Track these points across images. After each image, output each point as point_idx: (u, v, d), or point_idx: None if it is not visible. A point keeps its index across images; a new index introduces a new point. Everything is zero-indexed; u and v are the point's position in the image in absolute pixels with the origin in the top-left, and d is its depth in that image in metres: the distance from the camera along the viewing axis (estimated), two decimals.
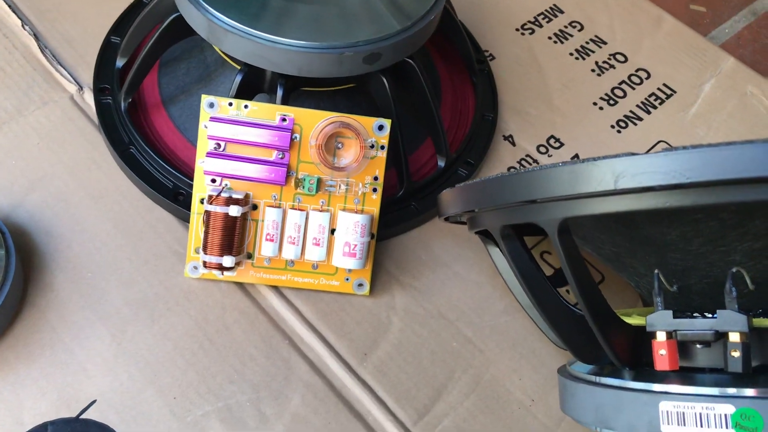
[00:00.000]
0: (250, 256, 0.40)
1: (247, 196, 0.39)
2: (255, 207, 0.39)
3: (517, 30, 0.56)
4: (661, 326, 0.30)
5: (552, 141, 0.51)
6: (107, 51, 0.48)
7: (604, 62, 0.55)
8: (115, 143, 0.44)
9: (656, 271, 0.31)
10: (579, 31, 0.57)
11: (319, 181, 0.39)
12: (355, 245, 0.39)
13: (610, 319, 0.32)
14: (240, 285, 0.41)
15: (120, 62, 0.46)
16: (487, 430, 0.39)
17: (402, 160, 0.43)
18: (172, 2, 0.41)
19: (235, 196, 0.38)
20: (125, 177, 0.44)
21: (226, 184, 0.39)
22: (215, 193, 0.38)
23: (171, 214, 0.43)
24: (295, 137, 0.39)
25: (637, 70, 0.55)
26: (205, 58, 0.45)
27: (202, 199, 0.39)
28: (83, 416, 0.36)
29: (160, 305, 0.40)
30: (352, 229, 0.39)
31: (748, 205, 0.28)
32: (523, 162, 0.49)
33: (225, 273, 0.40)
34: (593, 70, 0.55)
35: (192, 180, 0.40)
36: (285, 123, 0.39)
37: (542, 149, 0.50)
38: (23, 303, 0.39)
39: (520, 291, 0.39)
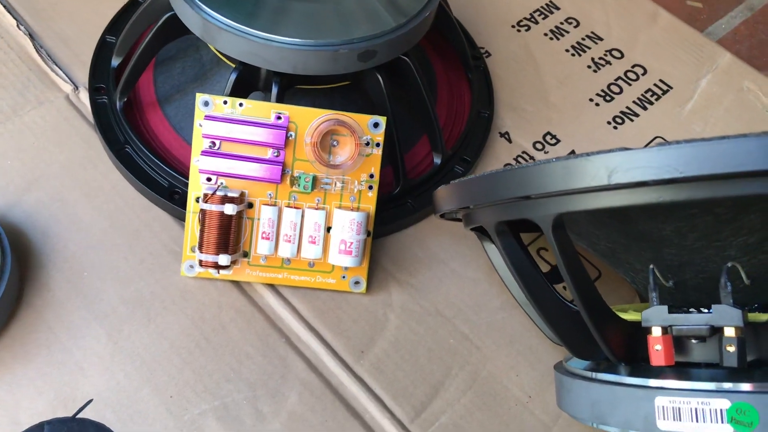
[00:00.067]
0: (246, 255, 0.40)
1: (242, 194, 0.39)
2: (250, 205, 0.39)
3: (513, 26, 0.56)
4: (657, 321, 0.30)
5: (548, 137, 0.50)
6: (103, 50, 0.48)
7: (600, 58, 0.55)
8: (110, 142, 0.44)
9: (651, 266, 0.31)
10: (575, 27, 0.57)
11: (315, 178, 0.39)
12: (351, 243, 0.39)
13: (606, 314, 0.32)
14: (236, 283, 0.41)
15: (115, 61, 0.46)
16: (485, 426, 0.39)
17: (398, 158, 0.43)
18: (167, 1, 0.41)
19: (230, 194, 0.38)
20: (121, 176, 0.44)
21: (222, 183, 0.39)
22: (211, 192, 0.38)
23: (167, 213, 0.43)
24: (291, 135, 0.39)
25: (633, 66, 0.55)
26: (201, 57, 0.45)
27: (198, 198, 0.39)
28: (80, 415, 0.36)
29: (156, 304, 0.40)
30: (348, 226, 0.39)
31: (743, 199, 0.28)
32: (519, 159, 0.49)
33: (221, 271, 0.40)
34: (589, 67, 0.55)
35: (188, 179, 0.40)
36: (280, 121, 0.39)
37: (538, 146, 0.50)
38: (20, 303, 0.39)
39: (516, 287, 0.39)
